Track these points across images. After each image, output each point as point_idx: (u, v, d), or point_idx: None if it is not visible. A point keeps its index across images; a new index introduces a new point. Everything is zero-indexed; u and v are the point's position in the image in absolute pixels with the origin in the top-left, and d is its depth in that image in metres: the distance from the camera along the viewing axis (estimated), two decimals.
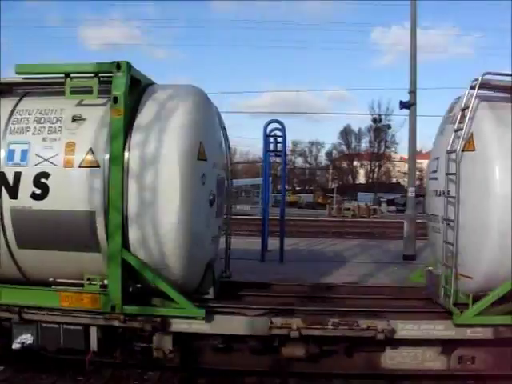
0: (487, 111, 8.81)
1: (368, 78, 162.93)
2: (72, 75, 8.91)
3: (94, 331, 8.99)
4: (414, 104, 20.96)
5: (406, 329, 8.73)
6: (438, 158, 9.71)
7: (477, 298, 8.63)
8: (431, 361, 9.02)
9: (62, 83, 8.95)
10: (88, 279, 8.85)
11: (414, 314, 9.36)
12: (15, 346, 9.14)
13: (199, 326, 8.81)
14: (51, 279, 9.11)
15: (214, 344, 9.06)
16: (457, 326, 8.66)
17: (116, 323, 8.72)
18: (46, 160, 8.77)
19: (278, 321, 8.77)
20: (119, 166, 8.47)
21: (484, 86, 8.76)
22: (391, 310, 9.54)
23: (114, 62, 8.63)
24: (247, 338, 9.02)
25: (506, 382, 9.07)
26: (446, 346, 8.94)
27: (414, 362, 9.02)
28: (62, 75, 8.94)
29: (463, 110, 8.81)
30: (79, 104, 8.97)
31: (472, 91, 8.68)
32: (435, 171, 9.86)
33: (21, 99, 9.45)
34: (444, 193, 9.17)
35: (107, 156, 8.58)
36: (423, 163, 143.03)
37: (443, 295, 9.13)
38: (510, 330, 8.49)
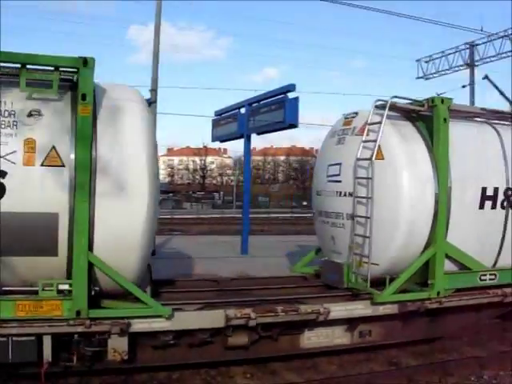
0: (392, 127, 10.55)
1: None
2: (28, 66, 8.28)
3: (48, 340, 8.42)
4: (155, 102, 21.53)
5: (336, 310, 10.00)
6: (340, 164, 11.08)
7: (379, 282, 10.29)
8: (339, 337, 10.41)
9: (16, 74, 8.27)
10: (43, 285, 8.29)
11: (329, 298, 10.80)
12: None
13: (161, 324, 8.85)
14: None
15: (164, 340, 9.19)
16: (373, 305, 10.19)
17: (80, 329, 8.35)
18: (1, 157, 8.06)
19: (231, 313, 9.30)
20: (87, 165, 8.20)
21: (384, 106, 10.51)
22: (311, 296, 11.08)
23: (80, 58, 8.25)
24: (196, 331, 9.36)
25: (396, 349, 11.24)
26: (351, 324, 10.46)
27: (326, 340, 10.31)
28: (18, 65, 8.26)
29: (369, 124, 10.41)
30: (31, 98, 8.34)
31: (378, 110, 10.38)
32: (338, 175, 11.21)
33: None
34: (351, 194, 10.60)
35: (73, 155, 8.21)
36: (175, 160, 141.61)
37: (354, 280, 10.55)
38: (414, 304, 10.36)
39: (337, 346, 10.50)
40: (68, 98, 8.46)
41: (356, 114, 11.58)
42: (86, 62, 8.23)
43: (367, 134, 10.64)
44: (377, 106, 10.72)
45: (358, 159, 10.69)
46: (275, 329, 9.84)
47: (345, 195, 11.15)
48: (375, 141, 10.36)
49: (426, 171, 10.58)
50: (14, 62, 8.27)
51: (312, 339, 10.29)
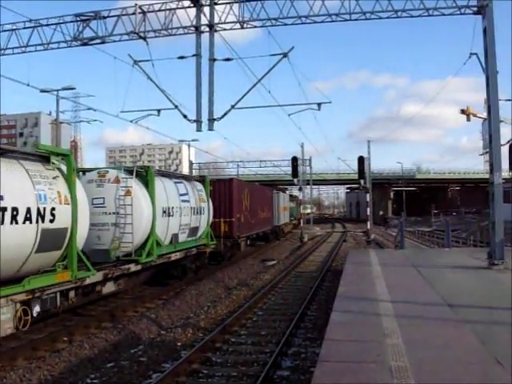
0: (134, 180, 21.37)
1: None
2: None
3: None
4: None
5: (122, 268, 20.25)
6: (104, 197, 20.72)
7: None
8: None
9: None
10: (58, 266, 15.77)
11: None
12: None
13: None
14: None
15: None
16: (137, 265, 20.92)
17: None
18: None
19: None
20: None
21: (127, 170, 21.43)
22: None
23: None
24: None
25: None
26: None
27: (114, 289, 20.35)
28: None
29: (122, 178, 21.06)
30: None
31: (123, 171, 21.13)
32: (103, 203, 20.83)
33: None
34: (114, 212, 20.79)
35: None
36: None
37: (114, 256, 20.75)
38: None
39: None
40: None
41: (107, 171, 21.72)
42: None
43: (120, 183, 21.07)
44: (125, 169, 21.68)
45: (120, 195, 20.85)
46: None
47: (109, 214, 20.74)
48: (127, 186, 20.93)
49: (149, 201, 21.55)
50: None
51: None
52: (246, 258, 36.13)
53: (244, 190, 37.99)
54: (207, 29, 22.06)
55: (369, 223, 48.43)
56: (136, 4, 22.63)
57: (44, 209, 14.59)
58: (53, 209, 14.93)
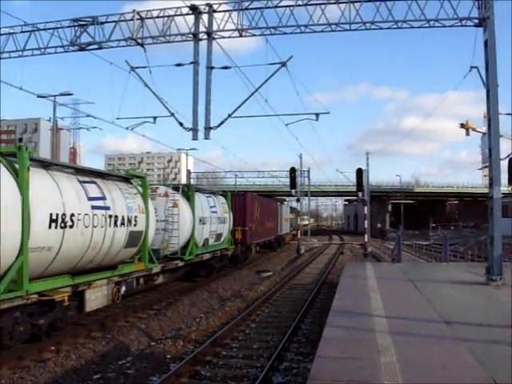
0: (181, 196, 26.38)
1: None
2: None
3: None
4: None
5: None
6: (156, 208, 23.72)
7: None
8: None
9: None
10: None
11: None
12: None
13: None
14: None
15: None
16: (182, 261, 26.21)
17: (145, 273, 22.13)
18: None
19: None
20: None
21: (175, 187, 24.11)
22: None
23: None
24: None
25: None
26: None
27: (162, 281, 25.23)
28: None
29: (170, 193, 23.25)
30: None
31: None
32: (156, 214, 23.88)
33: None
34: (163, 220, 25.28)
35: None
36: None
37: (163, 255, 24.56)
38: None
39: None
40: None
41: (158, 187, 27.21)
42: None
43: (169, 197, 25.98)
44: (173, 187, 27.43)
45: (169, 207, 25.87)
46: None
47: (160, 221, 24.78)
48: (174, 200, 25.89)
49: (190, 211, 27.10)
50: None
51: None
52: (242, 269, 35.78)
53: (255, 203, 43.02)
54: (205, 36, 21.84)
55: (366, 236, 48.18)
56: (134, 10, 22.44)
57: (130, 216, 19.70)
58: (135, 217, 20.16)
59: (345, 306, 13.66)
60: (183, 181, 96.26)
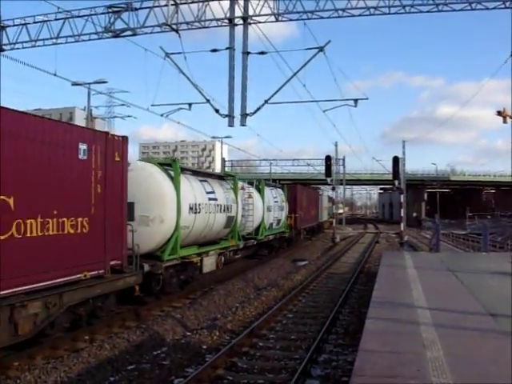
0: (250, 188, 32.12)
1: None
2: None
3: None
4: None
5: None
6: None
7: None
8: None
9: None
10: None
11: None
12: None
13: None
14: None
15: None
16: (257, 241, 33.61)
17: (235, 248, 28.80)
18: None
19: None
20: None
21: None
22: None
23: None
24: None
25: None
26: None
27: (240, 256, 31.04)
28: None
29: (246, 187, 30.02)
30: None
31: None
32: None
33: None
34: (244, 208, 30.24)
35: None
36: None
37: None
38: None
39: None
40: None
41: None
42: None
43: (245, 190, 31.04)
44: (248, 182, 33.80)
45: (245, 197, 30.80)
46: None
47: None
48: (249, 192, 31.70)
49: (261, 202, 33.84)
50: None
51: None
52: (278, 258, 35.51)
53: (303, 193, 50.28)
54: (241, 21, 21.51)
55: (402, 225, 47.55)
56: None
57: (227, 205, 26.21)
58: (230, 206, 26.71)
59: (385, 297, 13.24)
60: (217, 169, 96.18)
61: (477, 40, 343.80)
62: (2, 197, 11.36)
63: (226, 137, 69.98)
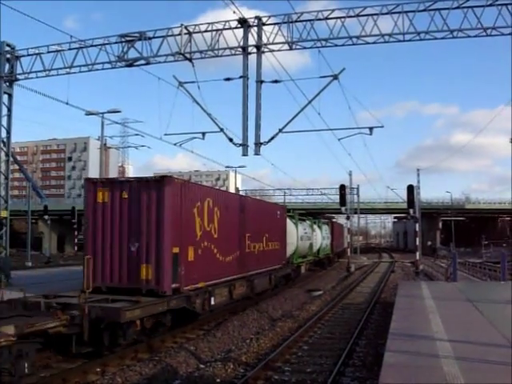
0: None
1: None
2: None
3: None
4: None
5: None
6: None
7: None
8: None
9: None
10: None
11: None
12: None
13: None
14: None
15: None
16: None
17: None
18: None
19: None
20: None
21: None
22: None
23: None
24: None
25: None
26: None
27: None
28: None
29: None
30: None
31: None
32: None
33: None
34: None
35: None
36: None
37: None
38: None
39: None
40: None
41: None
42: None
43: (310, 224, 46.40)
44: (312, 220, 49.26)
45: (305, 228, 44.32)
46: None
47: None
48: (311, 226, 46.74)
49: (319, 233, 50.71)
50: None
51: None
52: (292, 288, 35.12)
53: (336, 226, 67.90)
54: (255, 50, 21.45)
55: (417, 253, 47.11)
56: (182, 24, 22.24)
57: (309, 236, 44.84)
58: (311, 236, 45.57)
59: (404, 329, 12.90)
60: None
61: (491, 66, 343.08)
62: (247, 234, 26.07)
63: (239, 166, 69.89)
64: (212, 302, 20.74)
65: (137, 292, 17.20)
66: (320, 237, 50.34)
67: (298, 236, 38.85)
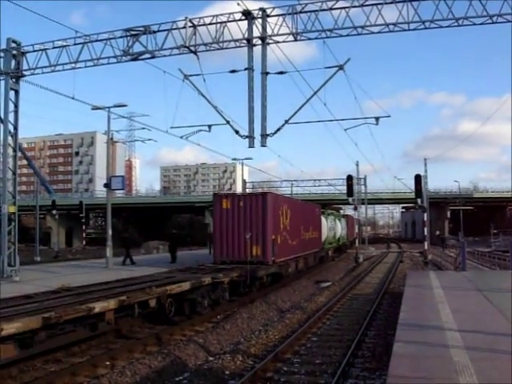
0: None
1: None
2: None
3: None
4: None
5: None
6: None
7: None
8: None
9: None
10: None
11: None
12: None
13: None
14: None
15: None
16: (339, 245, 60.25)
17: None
18: None
19: None
20: None
21: None
22: None
23: None
24: None
25: None
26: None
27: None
28: None
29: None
30: None
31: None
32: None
33: None
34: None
35: None
36: None
37: None
38: None
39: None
40: None
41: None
42: None
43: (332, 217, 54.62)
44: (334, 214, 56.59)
45: (331, 221, 53.39)
46: None
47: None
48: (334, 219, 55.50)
49: (339, 225, 58.92)
50: None
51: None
52: (300, 279, 35.06)
53: (350, 218, 72.15)
54: (259, 42, 21.38)
55: (426, 243, 47.03)
56: (186, 18, 22.18)
57: (333, 227, 54.14)
58: (335, 227, 55.42)
59: (413, 319, 12.86)
60: (238, 191, 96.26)
61: (497, 54, 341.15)
62: (302, 226, 36.95)
63: (246, 158, 69.72)
64: (289, 270, 31.76)
65: (245, 264, 25.59)
66: (340, 228, 59.08)
67: (328, 227, 49.71)
